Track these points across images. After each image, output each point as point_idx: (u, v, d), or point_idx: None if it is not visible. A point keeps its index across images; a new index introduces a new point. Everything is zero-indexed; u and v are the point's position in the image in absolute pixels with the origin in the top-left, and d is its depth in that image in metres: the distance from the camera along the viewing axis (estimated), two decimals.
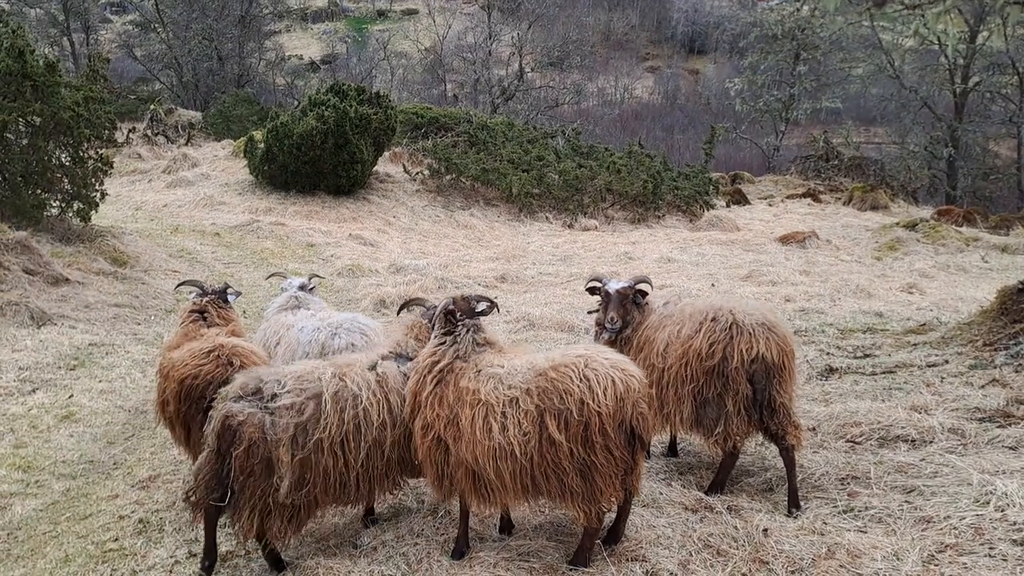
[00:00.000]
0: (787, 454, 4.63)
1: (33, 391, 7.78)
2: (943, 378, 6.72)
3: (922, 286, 12.79)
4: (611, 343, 5.21)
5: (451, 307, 4.26)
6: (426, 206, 21.27)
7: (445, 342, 4.19)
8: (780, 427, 4.63)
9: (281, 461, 4.01)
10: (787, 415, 4.65)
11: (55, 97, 12.64)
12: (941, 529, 4.05)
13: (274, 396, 4.13)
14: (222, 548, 4.67)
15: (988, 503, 4.21)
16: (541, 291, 12.40)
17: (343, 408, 4.18)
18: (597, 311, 5.51)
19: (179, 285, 6.71)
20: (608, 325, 5.23)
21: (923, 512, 4.25)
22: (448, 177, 22.40)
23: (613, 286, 5.27)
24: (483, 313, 4.37)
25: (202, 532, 5.02)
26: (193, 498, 4.18)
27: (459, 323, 4.24)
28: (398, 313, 4.44)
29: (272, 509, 4.07)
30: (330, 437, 4.11)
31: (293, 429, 4.06)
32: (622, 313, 5.21)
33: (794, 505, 4.51)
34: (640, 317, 5.26)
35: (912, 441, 5.35)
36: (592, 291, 5.50)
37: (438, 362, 4.13)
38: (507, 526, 4.45)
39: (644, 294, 5.32)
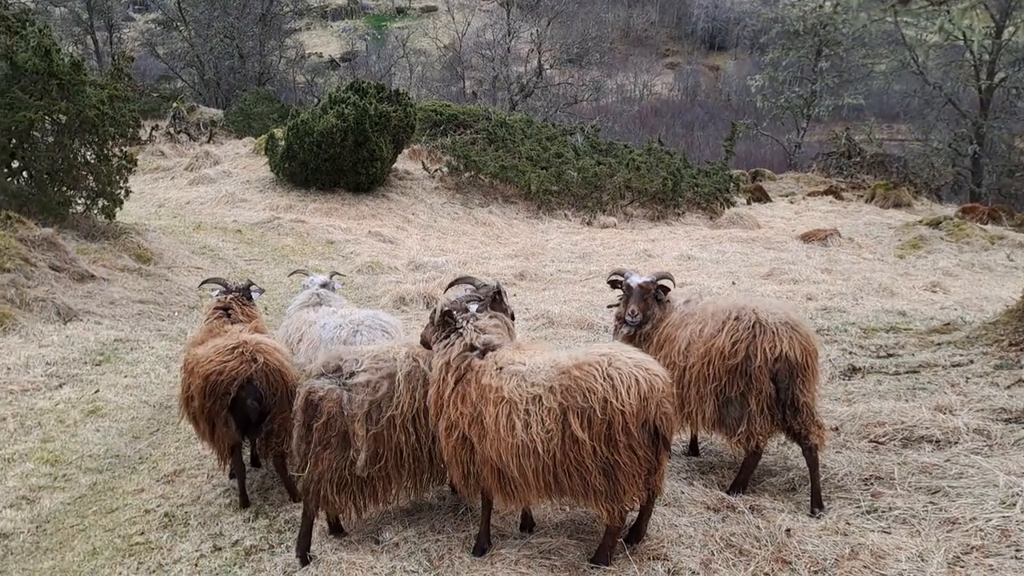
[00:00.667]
0: (810, 454, 4.60)
1: (60, 386, 7.89)
2: (968, 378, 6.64)
3: (946, 285, 12.64)
4: (630, 339, 5.19)
5: (447, 308, 4.30)
6: (445, 203, 21.30)
7: (450, 339, 4.22)
8: (803, 426, 4.60)
9: (356, 435, 4.25)
10: (810, 414, 4.62)
11: (80, 95, 12.80)
12: (966, 531, 4.01)
13: (352, 374, 4.35)
14: (246, 542, 4.72)
15: (1015, 505, 4.17)
16: (560, 288, 12.38)
17: (415, 387, 4.37)
18: (617, 305, 5.50)
19: (203, 283, 6.79)
20: (628, 318, 5.22)
21: (948, 513, 4.22)
22: (467, 174, 22.41)
23: (635, 280, 5.27)
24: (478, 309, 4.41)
25: (227, 527, 5.07)
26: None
27: (458, 319, 4.28)
28: (446, 291, 4.54)
29: (348, 481, 4.31)
30: (402, 414, 4.32)
31: (368, 405, 4.28)
32: (643, 307, 5.20)
33: (817, 505, 4.49)
34: (661, 314, 5.25)
35: (936, 442, 5.30)
36: (614, 284, 5.49)
37: (450, 359, 4.13)
38: (528, 524, 4.46)
39: (666, 290, 5.30)
